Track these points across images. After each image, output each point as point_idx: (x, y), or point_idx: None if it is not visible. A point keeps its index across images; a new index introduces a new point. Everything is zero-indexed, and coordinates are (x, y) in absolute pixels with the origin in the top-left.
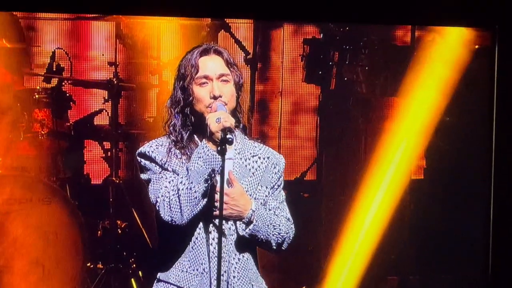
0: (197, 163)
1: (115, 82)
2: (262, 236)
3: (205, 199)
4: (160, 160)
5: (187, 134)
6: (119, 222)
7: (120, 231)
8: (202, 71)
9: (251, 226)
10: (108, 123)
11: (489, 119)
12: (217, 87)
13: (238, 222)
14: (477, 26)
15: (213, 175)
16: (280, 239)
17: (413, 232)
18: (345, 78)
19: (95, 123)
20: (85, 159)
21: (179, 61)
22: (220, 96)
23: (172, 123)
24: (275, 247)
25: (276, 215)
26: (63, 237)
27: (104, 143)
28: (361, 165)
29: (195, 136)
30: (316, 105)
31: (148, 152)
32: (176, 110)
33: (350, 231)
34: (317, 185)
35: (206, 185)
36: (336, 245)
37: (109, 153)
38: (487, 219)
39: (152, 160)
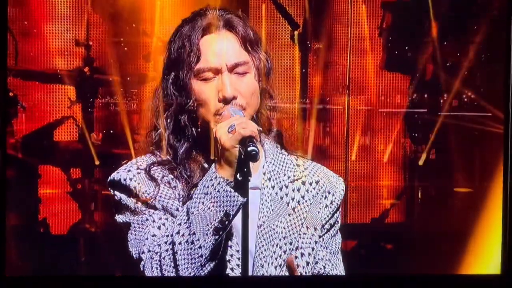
0: (203, 203)
1: (88, 73)
2: None
3: (216, 258)
4: (144, 193)
5: (184, 149)
6: None
7: None
8: (205, 60)
9: None
10: (76, 138)
11: None
12: (230, 84)
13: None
14: None
15: (227, 222)
16: None
17: None
18: (448, 63)
19: (55, 138)
20: (40, 196)
21: (171, 35)
22: (235, 98)
23: (158, 132)
24: None
25: (326, 272)
26: None
27: (71, 169)
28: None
29: (195, 151)
30: (403, 106)
31: (125, 180)
32: (166, 114)
33: None
34: (407, 231)
35: (217, 237)
36: None
37: (79, 185)
38: None
39: (130, 192)
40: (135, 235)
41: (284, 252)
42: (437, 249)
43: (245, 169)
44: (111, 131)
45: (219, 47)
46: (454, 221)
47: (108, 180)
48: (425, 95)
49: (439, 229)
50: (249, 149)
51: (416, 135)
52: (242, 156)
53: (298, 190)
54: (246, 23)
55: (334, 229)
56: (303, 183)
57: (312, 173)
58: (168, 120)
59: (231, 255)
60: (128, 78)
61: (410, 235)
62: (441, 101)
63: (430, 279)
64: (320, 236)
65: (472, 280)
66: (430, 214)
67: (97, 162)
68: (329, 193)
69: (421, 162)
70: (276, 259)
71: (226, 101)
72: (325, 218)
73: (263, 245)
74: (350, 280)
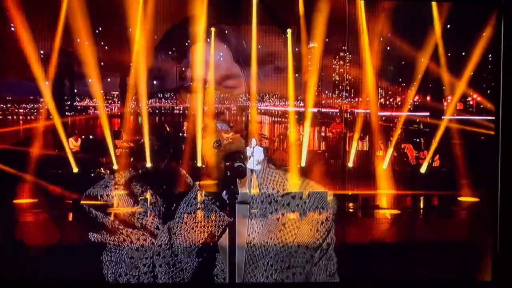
0: (186, 223)
1: (66, 79)
2: None
3: (198, 280)
4: (122, 210)
5: (166, 161)
6: None
7: None
8: (194, 70)
9: None
10: (54, 146)
11: None
12: (219, 99)
13: None
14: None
15: (211, 243)
16: None
17: None
18: (449, 68)
19: (32, 149)
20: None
21: (159, 42)
22: (223, 113)
23: (140, 143)
24: None
25: None
26: None
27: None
28: None
29: (178, 165)
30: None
31: (101, 196)
32: (151, 125)
33: None
34: (402, 236)
35: (200, 259)
36: None
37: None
38: None
39: (107, 210)
40: (111, 256)
41: (276, 270)
42: (433, 255)
43: (232, 186)
44: (90, 136)
45: (211, 58)
46: (453, 228)
47: (83, 196)
48: (427, 100)
49: (436, 236)
50: (236, 165)
51: (417, 140)
52: (228, 173)
53: (288, 204)
54: (239, 35)
55: (330, 248)
56: (293, 197)
57: (301, 187)
58: (151, 131)
59: (216, 275)
60: (109, 79)
61: (406, 240)
62: (445, 104)
63: (422, 283)
64: (311, 256)
65: (463, 286)
66: (427, 221)
67: (75, 170)
68: (322, 208)
69: (423, 170)
70: (267, 277)
71: (214, 116)
72: (321, 236)
73: (253, 263)
74: (345, 283)
